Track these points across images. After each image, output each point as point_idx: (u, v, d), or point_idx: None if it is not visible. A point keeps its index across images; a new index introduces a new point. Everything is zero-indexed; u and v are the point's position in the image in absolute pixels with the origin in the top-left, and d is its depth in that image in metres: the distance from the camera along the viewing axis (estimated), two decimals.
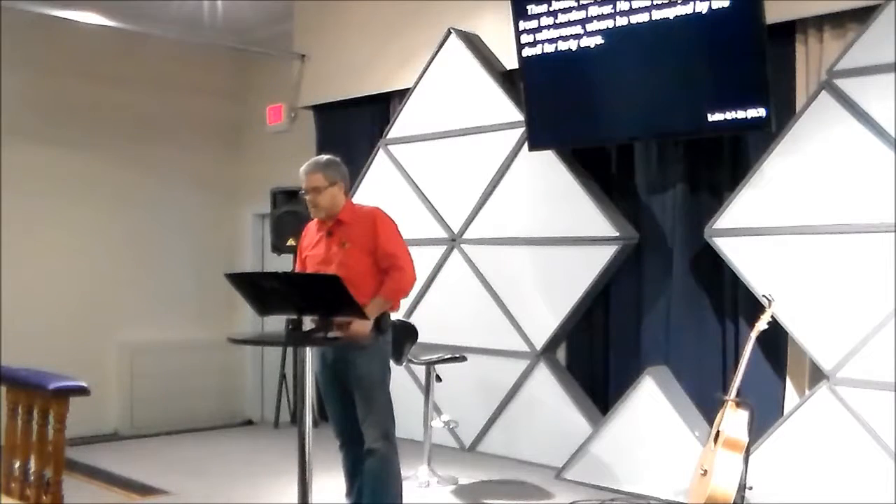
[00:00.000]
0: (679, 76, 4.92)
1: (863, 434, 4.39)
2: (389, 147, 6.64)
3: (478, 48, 6.15)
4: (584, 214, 5.51)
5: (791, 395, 4.89)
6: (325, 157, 4.27)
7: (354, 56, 6.93)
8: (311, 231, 4.26)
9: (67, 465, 3.10)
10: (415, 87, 6.46)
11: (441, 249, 6.28)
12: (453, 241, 6.25)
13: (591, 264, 5.48)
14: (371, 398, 4.01)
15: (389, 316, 4.14)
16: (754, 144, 4.99)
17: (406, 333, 5.11)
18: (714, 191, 5.22)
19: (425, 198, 6.39)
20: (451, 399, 5.99)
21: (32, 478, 2.99)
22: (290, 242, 6.88)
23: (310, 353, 3.82)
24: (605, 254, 5.43)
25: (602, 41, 5.15)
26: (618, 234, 5.39)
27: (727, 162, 5.19)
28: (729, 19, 4.63)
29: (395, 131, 6.62)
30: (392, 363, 4.25)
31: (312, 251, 4.19)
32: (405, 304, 5.84)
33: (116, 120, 7.35)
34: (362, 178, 6.72)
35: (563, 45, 5.31)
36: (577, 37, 5.24)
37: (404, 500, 4.15)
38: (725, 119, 4.74)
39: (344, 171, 4.23)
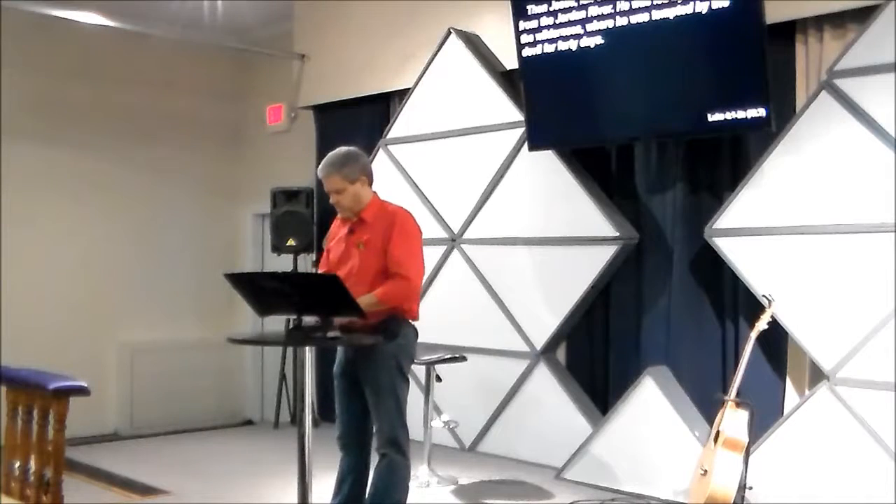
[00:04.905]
0: (679, 76, 4.92)
1: (863, 434, 4.39)
2: (389, 147, 6.64)
3: (478, 48, 6.15)
4: (584, 214, 5.50)
5: (791, 395, 4.89)
6: (342, 151, 3.99)
7: (354, 56, 6.93)
8: (337, 224, 4.14)
9: (67, 465, 3.10)
10: (415, 87, 6.46)
11: (441, 249, 6.28)
12: (453, 241, 6.25)
13: (591, 264, 5.48)
14: (376, 404, 3.92)
15: (400, 322, 3.94)
16: (754, 144, 4.99)
17: None
18: (714, 191, 5.22)
19: (425, 198, 6.39)
20: (451, 399, 5.99)
21: (32, 478, 2.99)
22: (290, 242, 6.90)
23: (310, 353, 3.81)
24: (605, 254, 5.43)
25: (602, 41, 5.15)
26: (618, 234, 5.39)
27: (727, 162, 5.19)
28: (729, 19, 4.62)
29: (395, 131, 6.62)
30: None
31: (334, 247, 4.12)
32: None
33: (116, 120, 7.34)
34: None
35: (563, 45, 5.31)
36: (577, 37, 5.24)
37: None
38: (725, 119, 4.74)
39: (364, 164, 3.99)
